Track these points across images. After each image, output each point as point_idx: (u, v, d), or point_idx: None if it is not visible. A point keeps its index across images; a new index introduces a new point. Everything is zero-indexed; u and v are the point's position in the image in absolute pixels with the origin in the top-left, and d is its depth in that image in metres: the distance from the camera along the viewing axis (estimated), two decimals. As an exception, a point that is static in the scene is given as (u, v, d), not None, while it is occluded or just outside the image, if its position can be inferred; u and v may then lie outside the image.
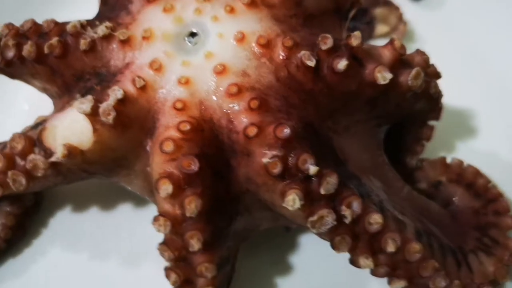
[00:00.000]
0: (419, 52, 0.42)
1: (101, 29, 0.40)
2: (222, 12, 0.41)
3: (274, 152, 0.36)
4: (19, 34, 0.43)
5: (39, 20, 0.44)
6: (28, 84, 0.47)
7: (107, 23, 0.41)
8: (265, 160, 0.36)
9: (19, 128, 0.54)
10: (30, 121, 0.54)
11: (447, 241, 0.43)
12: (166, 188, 0.36)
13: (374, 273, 0.40)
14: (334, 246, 0.38)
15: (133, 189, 0.43)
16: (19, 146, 0.39)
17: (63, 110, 0.41)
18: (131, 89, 0.39)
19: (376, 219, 0.37)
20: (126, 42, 0.40)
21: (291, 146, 0.37)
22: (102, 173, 0.42)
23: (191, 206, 0.36)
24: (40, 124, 0.41)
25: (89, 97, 0.38)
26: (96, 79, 0.41)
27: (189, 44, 0.40)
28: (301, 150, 0.37)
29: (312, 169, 0.36)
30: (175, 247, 0.37)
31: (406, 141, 0.48)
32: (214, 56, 0.39)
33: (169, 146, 0.37)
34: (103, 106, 0.38)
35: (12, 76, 0.46)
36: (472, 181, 0.47)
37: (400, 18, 0.59)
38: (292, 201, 0.36)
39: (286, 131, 0.36)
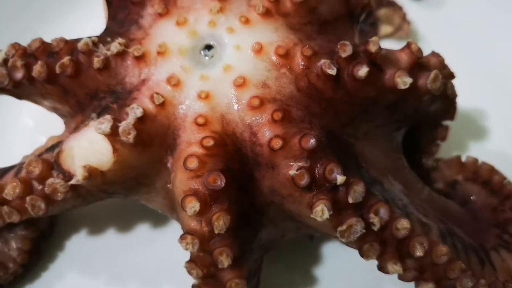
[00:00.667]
0: (434, 54, 0.42)
1: (115, 46, 0.39)
2: (237, 23, 0.40)
3: (300, 164, 0.36)
4: (27, 54, 0.42)
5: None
6: (36, 104, 0.46)
7: (120, 40, 0.40)
8: (292, 172, 0.36)
9: (25, 145, 0.53)
10: (35, 138, 0.54)
11: (469, 240, 0.43)
12: (193, 205, 0.35)
13: (402, 277, 0.39)
14: (362, 254, 0.38)
15: (154, 207, 0.42)
16: (36, 170, 0.38)
17: (78, 131, 0.40)
18: (149, 106, 0.38)
19: (403, 224, 0.37)
20: (141, 58, 0.39)
21: (317, 156, 0.36)
22: (121, 193, 0.41)
23: (219, 223, 0.35)
24: (56, 146, 0.40)
25: (108, 116, 0.37)
26: (111, 97, 0.40)
27: (205, 57, 0.40)
28: (327, 159, 0.36)
29: (340, 178, 0.36)
30: (203, 264, 0.37)
31: (421, 142, 0.48)
32: (232, 68, 0.38)
33: (193, 163, 0.36)
34: (122, 126, 0.37)
35: (20, 97, 0.45)
36: (487, 178, 0.48)
37: (403, 18, 0.59)
38: (321, 212, 0.36)
39: (312, 141, 0.36)
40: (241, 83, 0.38)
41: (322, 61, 0.37)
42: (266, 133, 0.37)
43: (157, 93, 0.38)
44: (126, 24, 0.43)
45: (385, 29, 0.60)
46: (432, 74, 0.39)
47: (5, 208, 0.39)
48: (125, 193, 0.41)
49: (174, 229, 0.47)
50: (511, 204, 0.47)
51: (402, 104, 0.41)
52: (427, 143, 0.48)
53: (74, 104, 0.42)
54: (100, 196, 0.41)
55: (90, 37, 0.40)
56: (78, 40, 0.41)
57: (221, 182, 0.36)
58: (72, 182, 0.37)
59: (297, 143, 0.36)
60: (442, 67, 0.42)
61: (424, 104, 0.42)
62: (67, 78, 0.41)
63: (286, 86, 0.38)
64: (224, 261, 0.36)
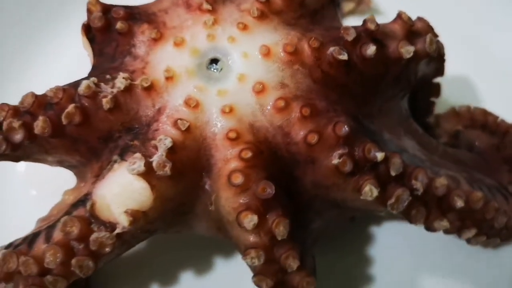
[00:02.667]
0: (419, 18, 0.44)
1: (120, 82, 0.38)
2: (235, 31, 0.40)
3: (340, 151, 0.37)
4: (20, 112, 0.39)
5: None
6: (36, 162, 0.43)
7: (123, 74, 0.38)
8: (335, 161, 0.37)
9: (17, 193, 0.51)
10: (27, 191, 0.51)
11: (490, 181, 0.46)
12: (250, 219, 0.35)
13: (447, 231, 0.42)
14: (411, 220, 0.40)
15: (197, 232, 0.41)
16: (74, 229, 0.36)
17: (103, 178, 0.38)
18: (175, 133, 0.37)
19: (441, 182, 0.40)
20: (150, 88, 0.38)
21: (352, 140, 0.37)
22: (163, 227, 0.39)
23: (280, 229, 0.36)
24: (83, 200, 0.37)
25: (138, 155, 0.36)
26: (128, 135, 0.38)
27: (215, 71, 0.39)
28: (362, 141, 0.38)
29: (379, 155, 0.37)
30: (271, 273, 0.37)
31: (420, 103, 0.50)
32: (247, 76, 0.38)
33: (238, 178, 0.36)
34: (156, 160, 0.36)
35: (19, 159, 0.42)
36: (484, 121, 0.51)
37: (362, -9, 0.61)
38: (370, 191, 0.37)
39: (345, 128, 0.37)
40: (260, 89, 0.38)
41: (332, 48, 0.38)
42: (299, 131, 0.37)
43: (180, 119, 0.37)
44: (117, 57, 0.41)
45: (347, 6, 0.62)
46: (428, 38, 0.42)
47: (49, 278, 0.36)
48: (166, 227, 0.40)
49: (218, 274, 0.46)
50: (510, 139, 0.51)
51: (406, 72, 0.43)
52: (425, 103, 0.51)
53: (86, 151, 0.40)
54: (142, 238, 0.39)
55: (87, 79, 0.38)
56: (74, 85, 0.39)
57: (271, 189, 0.36)
58: (118, 230, 0.36)
59: (331, 133, 0.37)
60: (430, 29, 0.44)
61: (422, 67, 0.44)
62: (75, 127, 0.38)
63: (302, 81, 0.39)
64: (293, 264, 0.36)
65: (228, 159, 0.37)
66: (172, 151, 0.36)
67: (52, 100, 0.38)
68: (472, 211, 0.41)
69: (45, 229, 0.39)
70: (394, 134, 0.43)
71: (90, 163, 0.41)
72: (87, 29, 0.42)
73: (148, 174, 0.36)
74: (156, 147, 0.36)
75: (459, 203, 0.40)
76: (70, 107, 0.37)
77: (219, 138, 0.37)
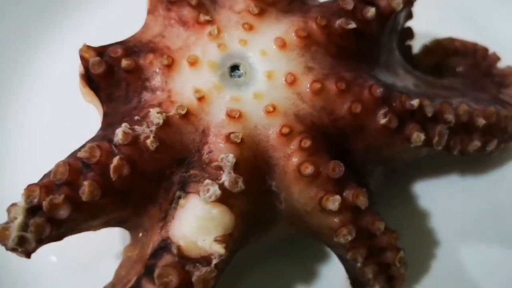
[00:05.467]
0: (387, -27, 0.47)
1: (156, 117, 0.36)
2: (242, 33, 0.40)
3: (383, 111, 0.39)
4: (54, 186, 0.36)
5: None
6: (79, 233, 0.40)
7: (156, 109, 0.36)
8: (382, 121, 0.39)
9: (36, 259, 0.44)
10: (46, 252, 0.45)
11: (485, 97, 0.51)
12: (333, 201, 0.36)
13: (479, 150, 0.46)
14: (450, 150, 0.43)
15: (271, 239, 0.42)
16: (172, 278, 0.34)
17: (173, 218, 0.36)
18: (231, 148, 0.36)
19: (463, 109, 0.44)
20: (188, 114, 0.37)
21: (388, 97, 0.40)
22: (242, 244, 0.39)
23: (361, 200, 0.37)
24: (166, 246, 0.36)
25: (208, 181, 0.35)
26: (181, 167, 0.37)
27: (239, 78, 0.39)
28: (395, 95, 0.40)
29: (415, 102, 0.40)
30: (362, 242, 0.38)
31: (399, 50, 0.54)
32: (274, 72, 0.38)
33: (307, 168, 0.37)
34: (227, 179, 0.35)
35: (62, 236, 0.39)
36: (453, 48, 0.56)
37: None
38: (418, 137, 0.40)
39: (380, 89, 0.39)
40: (292, 79, 0.38)
41: (338, 21, 0.40)
42: (342, 105, 0.38)
43: (232, 133, 0.36)
44: (131, 96, 0.39)
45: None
46: (408, -13, 0.45)
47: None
48: (245, 241, 0.39)
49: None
50: (480, 55, 0.56)
51: (395, 23, 0.46)
52: (402, 49, 0.54)
53: (138, 200, 0.38)
54: (230, 261, 0.38)
55: (125, 126, 0.36)
56: (103, 138, 0.37)
57: (341, 167, 0.37)
58: (216, 261, 0.35)
59: (370, 97, 0.39)
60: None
61: (403, 14, 0.48)
62: (123, 180, 0.36)
63: (323, 60, 0.40)
64: (380, 226, 0.38)
65: (289, 155, 0.37)
66: (236, 166, 0.36)
67: (90, 161, 0.36)
68: (490, 125, 0.46)
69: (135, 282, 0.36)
70: (403, 81, 0.46)
71: (145, 210, 0.39)
72: (88, 79, 0.39)
73: (222, 196, 0.35)
74: (219, 168, 0.36)
75: (480, 121, 0.44)
76: (116, 161, 0.35)
77: (272, 138, 0.37)
